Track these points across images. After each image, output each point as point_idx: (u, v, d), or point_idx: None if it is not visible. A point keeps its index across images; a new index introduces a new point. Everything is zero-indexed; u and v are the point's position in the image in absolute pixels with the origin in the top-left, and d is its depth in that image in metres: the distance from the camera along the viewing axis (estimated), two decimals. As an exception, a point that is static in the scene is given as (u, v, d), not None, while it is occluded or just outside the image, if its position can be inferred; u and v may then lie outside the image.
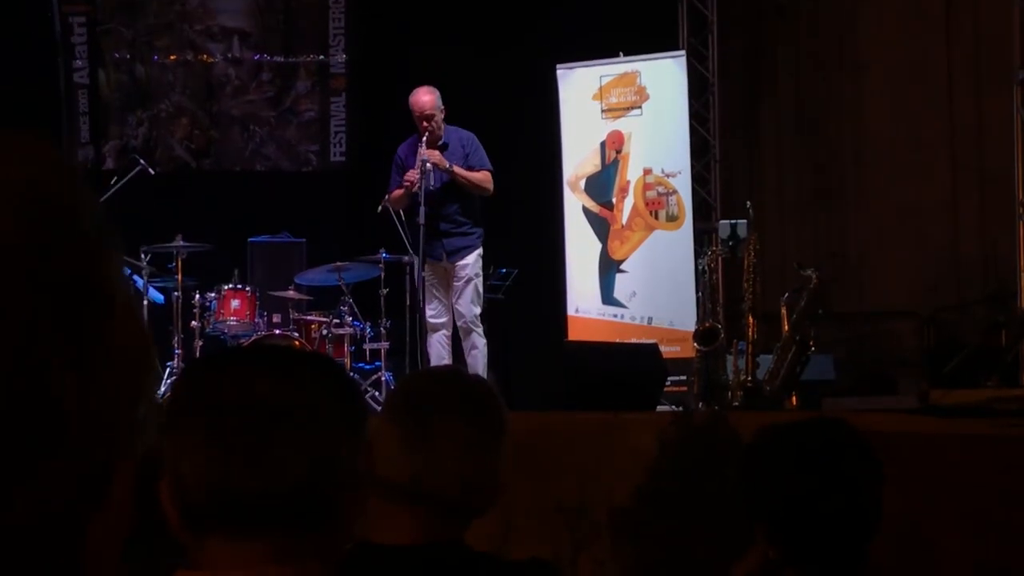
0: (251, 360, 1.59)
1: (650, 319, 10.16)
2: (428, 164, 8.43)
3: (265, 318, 9.67)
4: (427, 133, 8.49)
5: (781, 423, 2.63)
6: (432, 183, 8.53)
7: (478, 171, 8.62)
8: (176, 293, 9.41)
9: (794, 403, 7.71)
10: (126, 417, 0.93)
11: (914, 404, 6.25)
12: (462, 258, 8.64)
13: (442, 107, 8.62)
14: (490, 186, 8.63)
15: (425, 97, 8.57)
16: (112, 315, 0.92)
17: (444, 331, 8.69)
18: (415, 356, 8.68)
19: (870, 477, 2.53)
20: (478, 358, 8.59)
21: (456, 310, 8.67)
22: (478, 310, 8.71)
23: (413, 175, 8.46)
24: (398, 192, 8.59)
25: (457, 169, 8.53)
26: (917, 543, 4.60)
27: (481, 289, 8.78)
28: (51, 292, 0.88)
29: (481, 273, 8.78)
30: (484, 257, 8.88)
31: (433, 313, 8.69)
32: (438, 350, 8.65)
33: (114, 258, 0.95)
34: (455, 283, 8.65)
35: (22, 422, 0.87)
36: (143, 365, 0.94)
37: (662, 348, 8.29)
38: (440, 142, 8.62)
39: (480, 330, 8.68)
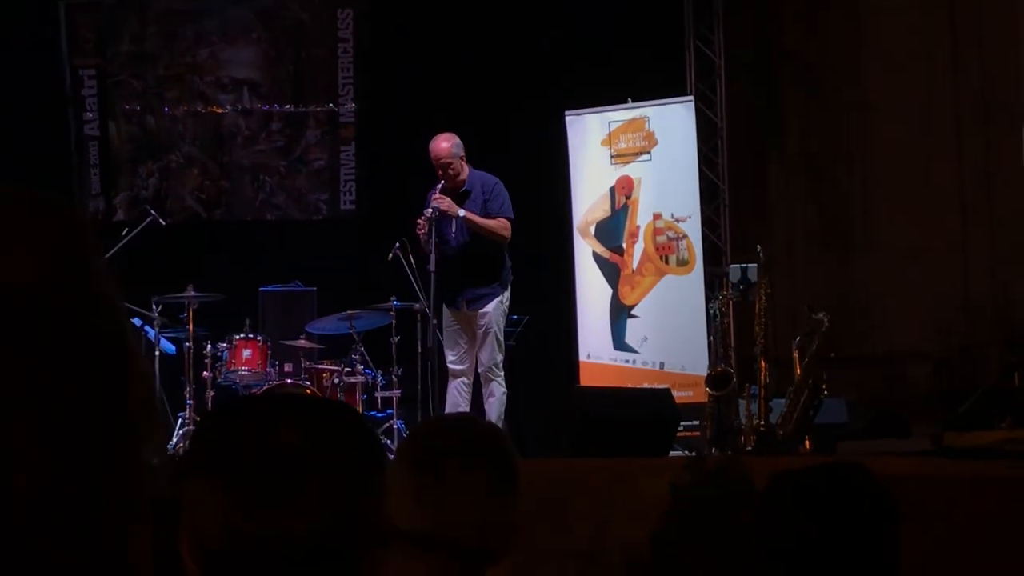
0: (268, 408, 1.58)
1: (662, 364, 10.14)
2: (436, 212, 8.44)
3: (277, 367, 9.66)
4: (442, 181, 8.52)
5: (796, 468, 2.62)
6: (454, 232, 8.54)
7: (494, 218, 8.60)
8: (187, 343, 9.41)
9: (807, 447, 7.69)
10: (143, 467, 0.93)
11: (928, 446, 6.23)
12: (482, 307, 8.63)
13: (461, 154, 8.64)
14: (505, 233, 8.61)
15: (442, 144, 8.59)
16: (127, 370, 0.92)
17: (464, 378, 8.68)
18: (427, 404, 8.67)
19: (886, 522, 2.52)
20: (493, 405, 8.57)
21: (477, 358, 8.67)
22: (499, 358, 8.69)
23: (421, 222, 8.48)
24: (423, 239, 8.58)
25: (468, 215, 8.53)
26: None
27: (502, 337, 8.75)
28: (73, 345, 0.89)
29: (502, 321, 8.75)
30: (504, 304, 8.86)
31: (453, 359, 8.69)
32: (455, 397, 8.63)
33: (124, 312, 0.95)
34: (477, 331, 8.65)
35: (56, 483, 0.87)
36: (155, 417, 0.95)
37: (674, 393, 8.28)
38: (463, 188, 8.63)
39: (500, 378, 8.67)
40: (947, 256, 10.35)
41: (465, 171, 8.69)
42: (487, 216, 8.59)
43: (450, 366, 8.65)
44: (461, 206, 8.56)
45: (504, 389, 8.66)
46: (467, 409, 8.56)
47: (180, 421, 9.24)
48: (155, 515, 0.97)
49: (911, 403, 9.75)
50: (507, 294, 8.75)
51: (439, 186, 8.53)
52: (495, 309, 8.65)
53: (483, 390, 8.70)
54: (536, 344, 10.29)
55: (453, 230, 8.56)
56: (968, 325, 10.27)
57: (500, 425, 8.11)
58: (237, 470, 1.48)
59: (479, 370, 8.68)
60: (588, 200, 10.52)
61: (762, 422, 7.90)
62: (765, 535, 2.57)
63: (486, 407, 8.57)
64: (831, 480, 2.57)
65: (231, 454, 1.49)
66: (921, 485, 4.88)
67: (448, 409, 8.48)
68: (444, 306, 8.71)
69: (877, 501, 2.53)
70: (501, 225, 8.60)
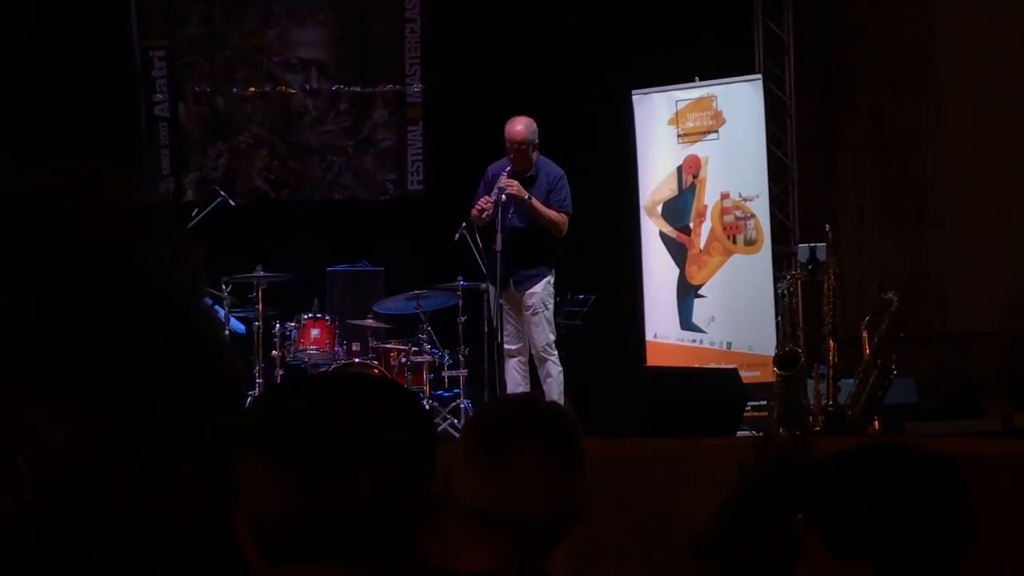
0: (321, 388, 1.60)
1: (729, 344, 10.10)
2: (504, 196, 8.45)
3: (344, 347, 9.72)
4: (513, 163, 8.52)
5: (849, 448, 2.58)
6: (510, 214, 8.54)
7: (556, 211, 8.61)
8: (257, 323, 9.49)
9: (876, 427, 7.65)
10: (228, 451, 0.95)
11: (998, 427, 6.18)
12: (530, 287, 8.65)
13: (536, 140, 8.64)
14: (563, 228, 8.62)
15: (519, 127, 8.59)
16: (211, 348, 0.94)
17: (520, 357, 8.69)
18: (493, 383, 8.69)
19: (952, 502, 2.49)
20: (552, 386, 8.58)
21: (530, 339, 8.69)
22: (552, 337, 8.70)
23: (487, 202, 8.49)
24: (475, 212, 8.62)
25: (535, 202, 8.53)
26: (1007, 566, 4.54)
27: (551, 316, 8.77)
28: (154, 327, 0.90)
29: (550, 301, 8.76)
30: (561, 284, 8.90)
31: (508, 339, 8.70)
32: (514, 377, 8.65)
33: (203, 290, 0.97)
34: (525, 312, 8.67)
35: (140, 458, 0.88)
36: (237, 398, 0.96)
37: (742, 373, 8.25)
38: (529, 174, 8.63)
39: (555, 358, 8.68)
40: (1019, 235, 10.22)
41: (535, 156, 8.70)
42: (547, 206, 8.60)
43: (505, 347, 8.66)
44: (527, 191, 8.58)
45: (560, 368, 8.68)
46: (527, 388, 8.58)
47: (249, 400, 9.30)
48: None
49: (982, 383, 9.66)
50: (552, 275, 8.76)
51: (508, 169, 8.54)
52: (543, 290, 8.67)
53: (539, 371, 8.71)
54: (603, 324, 10.28)
55: (510, 212, 8.57)
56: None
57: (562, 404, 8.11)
58: (292, 448, 1.49)
59: (533, 351, 8.70)
60: (655, 179, 10.48)
61: (830, 402, 7.87)
62: (821, 515, 2.54)
63: (544, 388, 8.57)
64: (892, 460, 2.53)
65: (286, 432, 1.51)
66: (991, 465, 4.84)
67: (509, 389, 8.49)
68: (491, 287, 8.75)
69: (942, 482, 2.50)
70: (561, 219, 8.60)
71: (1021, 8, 10.34)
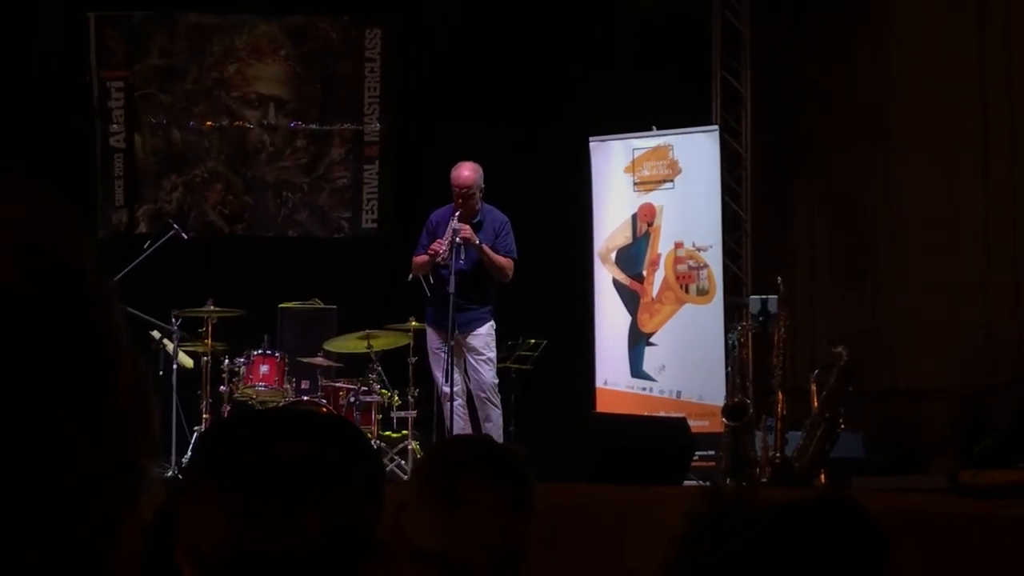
0: (270, 422, 1.58)
1: (679, 393, 10.12)
2: (458, 239, 8.44)
3: (294, 384, 9.66)
4: (460, 209, 8.51)
5: (786, 502, 2.55)
6: (461, 259, 8.53)
7: (503, 256, 8.64)
8: (206, 358, 9.42)
9: (823, 480, 7.66)
10: (131, 462, 0.92)
11: (944, 484, 6.20)
12: (474, 329, 8.65)
13: (482, 186, 8.65)
14: (510, 273, 8.67)
15: (466, 173, 8.59)
16: (115, 357, 0.92)
17: (460, 400, 8.70)
18: (443, 425, 8.66)
19: (876, 558, 2.47)
20: (492, 430, 8.57)
21: (474, 381, 8.67)
22: (496, 381, 8.72)
23: (440, 245, 8.48)
24: (423, 258, 8.62)
25: (486, 248, 8.55)
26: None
27: (495, 359, 8.78)
28: (54, 334, 0.88)
29: (494, 344, 8.77)
30: (513, 328, 8.89)
31: (445, 383, 8.69)
32: (458, 421, 8.64)
33: (113, 300, 0.95)
34: (467, 355, 8.67)
35: (32, 469, 0.86)
36: (145, 408, 0.94)
37: (690, 422, 8.26)
38: (475, 219, 8.63)
39: (497, 400, 8.69)
40: (970, 292, 10.28)
41: (480, 202, 8.71)
42: (495, 251, 8.62)
43: (445, 389, 8.63)
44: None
45: (500, 411, 8.70)
46: (470, 430, 8.56)
47: (195, 436, 9.23)
48: (154, 524, 0.96)
49: (930, 439, 9.71)
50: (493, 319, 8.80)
51: (457, 213, 8.54)
52: (487, 332, 8.69)
53: (479, 414, 8.69)
54: (553, 369, 10.27)
55: (462, 259, 8.57)
56: (989, 362, 10.21)
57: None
58: (239, 481, 1.48)
59: (477, 394, 8.68)
60: (610, 226, 10.51)
61: (778, 454, 7.88)
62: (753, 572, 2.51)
63: (483, 431, 8.54)
64: (821, 515, 2.52)
65: (233, 465, 1.49)
66: (936, 522, 4.86)
67: (456, 432, 8.46)
68: (431, 329, 8.73)
69: (868, 537, 2.48)
70: (509, 264, 8.66)
71: (974, 67, 10.45)
